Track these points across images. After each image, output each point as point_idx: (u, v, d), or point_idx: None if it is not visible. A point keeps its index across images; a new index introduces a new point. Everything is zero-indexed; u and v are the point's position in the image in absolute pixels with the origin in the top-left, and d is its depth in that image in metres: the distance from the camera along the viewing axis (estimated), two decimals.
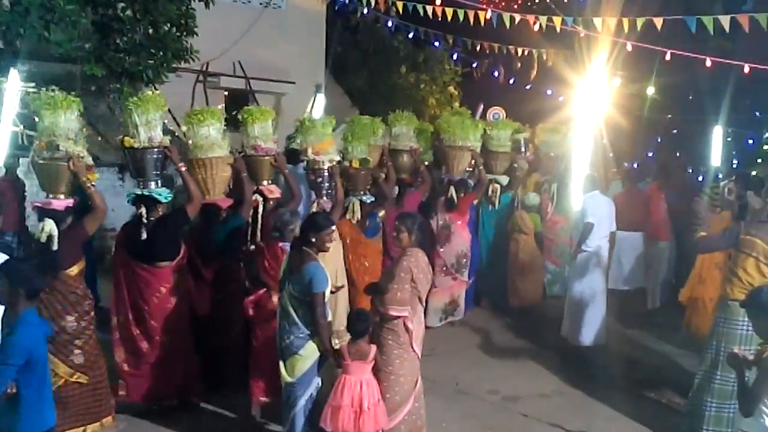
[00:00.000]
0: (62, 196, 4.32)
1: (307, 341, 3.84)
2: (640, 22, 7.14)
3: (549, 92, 11.66)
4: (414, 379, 4.06)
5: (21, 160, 7.63)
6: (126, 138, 4.77)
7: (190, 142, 5.35)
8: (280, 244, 4.53)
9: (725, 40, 8.30)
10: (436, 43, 12.76)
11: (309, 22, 13.72)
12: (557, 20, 7.61)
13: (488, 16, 8.04)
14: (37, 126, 4.43)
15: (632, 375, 5.72)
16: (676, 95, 10.93)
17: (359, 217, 5.95)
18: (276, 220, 4.68)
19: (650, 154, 11.60)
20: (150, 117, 4.76)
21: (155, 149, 4.75)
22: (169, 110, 11.32)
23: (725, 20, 6.64)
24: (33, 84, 7.89)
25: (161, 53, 8.81)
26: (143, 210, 4.70)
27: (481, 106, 8.64)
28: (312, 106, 11.68)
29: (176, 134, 10.93)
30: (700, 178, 9.66)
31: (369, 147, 6.26)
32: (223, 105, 12.56)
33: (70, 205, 4.36)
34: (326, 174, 5.65)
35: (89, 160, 4.46)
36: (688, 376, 4.93)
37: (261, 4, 12.98)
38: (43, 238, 4.13)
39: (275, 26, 12.78)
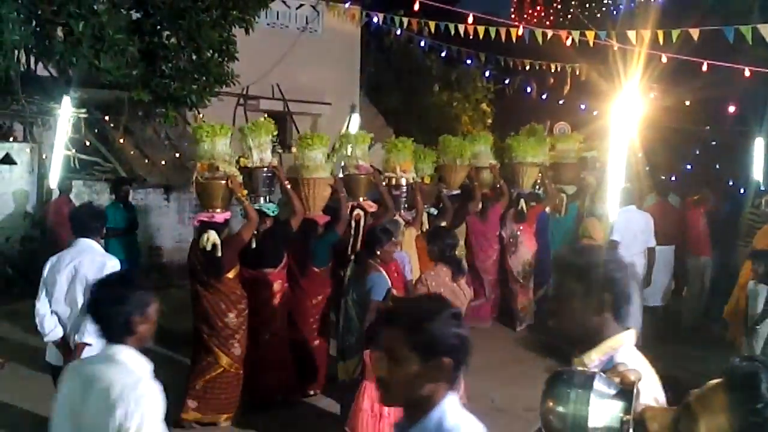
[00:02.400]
0: (219, 210, 4.84)
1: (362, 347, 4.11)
2: (675, 33, 7.11)
3: (583, 107, 11.63)
4: None
5: (74, 182, 8.01)
6: (241, 158, 5.24)
7: (298, 162, 5.85)
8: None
9: (765, 50, 8.17)
10: (468, 61, 12.88)
11: (344, 45, 14.04)
12: (590, 34, 7.64)
13: (520, 33, 8.12)
14: (198, 151, 4.98)
15: (671, 395, 5.56)
16: (714, 107, 10.74)
17: (427, 227, 6.39)
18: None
19: (689, 167, 11.40)
20: (262, 140, 5.28)
21: (265, 168, 5.27)
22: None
23: (764, 29, 6.57)
24: (84, 110, 8.33)
25: (204, 78, 9.16)
26: None
27: (548, 122, 8.87)
28: (347, 126, 11.91)
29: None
30: (742, 191, 9.46)
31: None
32: None
33: (228, 218, 4.92)
34: (406, 189, 6.29)
35: (239, 178, 4.97)
36: None
37: (298, 29, 13.35)
38: (209, 247, 4.65)
39: (312, 50, 13.12)
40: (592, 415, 1.29)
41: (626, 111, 6.96)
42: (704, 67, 7.20)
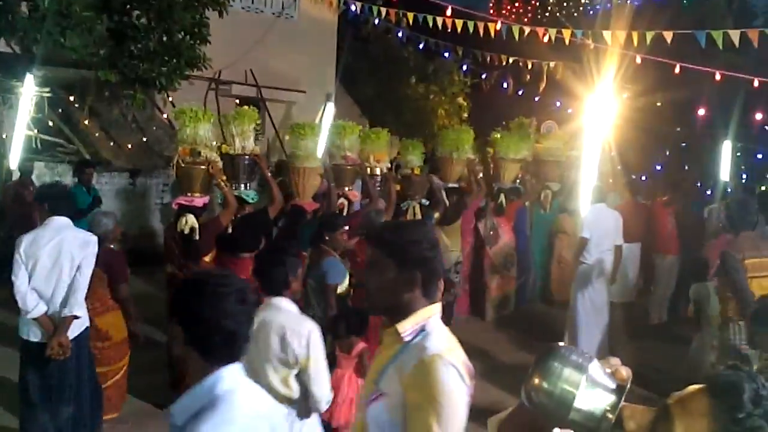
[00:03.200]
0: (199, 195, 4.96)
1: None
2: (649, 35, 7.17)
3: (558, 104, 11.70)
4: None
5: (35, 164, 7.73)
6: (223, 145, 5.38)
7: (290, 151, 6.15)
8: None
9: (735, 55, 8.30)
10: (446, 54, 12.84)
11: (320, 32, 13.85)
12: (566, 33, 7.65)
13: (498, 28, 8.10)
14: (179, 135, 5.08)
15: (639, 391, 5.63)
16: (685, 109, 10.92)
17: (419, 218, 6.59)
18: (365, 220, 5.29)
19: (659, 167, 11.57)
20: (245, 128, 5.41)
21: (247, 156, 5.40)
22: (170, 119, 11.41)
23: (735, 35, 6.66)
24: (48, 89, 8.03)
25: (174, 60, 8.91)
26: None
27: (534, 120, 9.00)
28: (322, 115, 11.77)
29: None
30: (709, 192, 9.64)
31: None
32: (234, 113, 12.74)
33: (207, 202, 5.04)
34: (380, 179, 6.55)
35: (220, 164, 5.10)
36: None
37: (273, 13, 13.12)
38: (186, 230, 4.77)
39: (287, 36, 12.92)
40: (579, 397, 1.25)
41: (599, 110, 7.02)
42: (676, 70, 7.28)
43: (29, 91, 7.63)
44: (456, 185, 7.30)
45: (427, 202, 6.95)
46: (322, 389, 2.80)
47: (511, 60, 10.82)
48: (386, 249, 1.76)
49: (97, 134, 9.06)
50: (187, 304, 1.66)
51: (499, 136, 7.91)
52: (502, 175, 7.77)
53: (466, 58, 12.63)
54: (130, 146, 9.35)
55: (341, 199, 6.10)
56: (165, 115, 10.95)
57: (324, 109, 12.67)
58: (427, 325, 1.76)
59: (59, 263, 3.77)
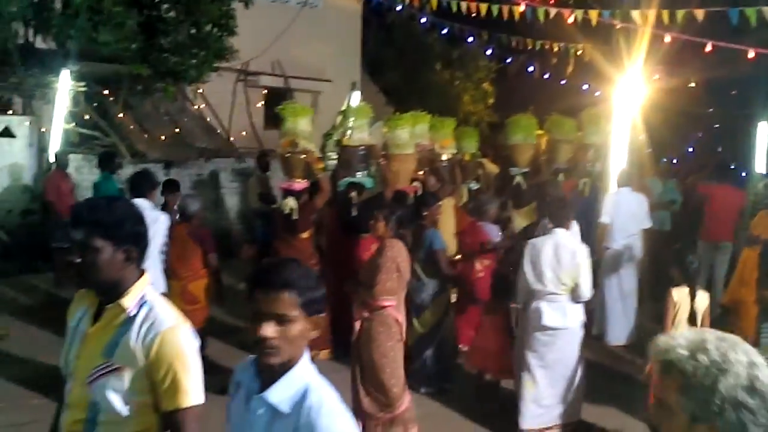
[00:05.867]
0: (298, 180, 5.64)
1: (434, 298, 4.89)
2: (680, 14, 7.02)
3: (585, 87, 11.55)
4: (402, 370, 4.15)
5: (72, 156, 7.96)
6: (344, 138, 6.08)
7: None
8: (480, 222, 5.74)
9: None
10: (471, 39, 12.75)
11: (345, 21, 13.89)
12: (593, 13, 7.55)
13: (522, 11, 8.03)
14: (282, 128, 5.72)
15: None
16: (718, 89, 10.66)
17: (465, 201, 7.01)
18: (477, 204, 5.99)
19: (690, 150, 11.36)
20: (360, 122, 6.05)
21: (362, 147, 6.09)
22: (210, 107, 11.67)
23: None
24: (84, 83, 8.27)
25: (203, 53, 9.07)
26: (354, 193, 5.94)
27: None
28: (348, 104, 11.83)
29: (218, 131, 11.24)
30: (743, 175, 9.43)
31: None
32: (263, 103, 12.87)
33: (306, 187, 5.66)
34: (447, 165, 6.99)
35: (317, 153, 5.74)
36: None
37: (298, 3, 13.18)
38: (287, 211, 5.51)
39: (312, 25, 12.98)
40: None
41: (629, 92, 6.93)
42: (708, 48, 7.13)
43: (65, 85, 7.88)
44: (527, 170, 7.43)
45: (476, 186, 7.33)
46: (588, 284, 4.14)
47: (537, 44, 10.71)
48: (100, 230, 1.78)
49: (131, 127, 9.27)
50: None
51: (554, 118, 7.83)
52: (558, 156, 7.71)
53: (491, 43, 12.53)
54: (163, 138, 9.55)
55: (415, 183, 6.61)
56: (196, 107, 11.15)
57: (350, 98, 12.79)
58: (146, 296, 1.85)
59: None
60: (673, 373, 1.29)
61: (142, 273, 1.88)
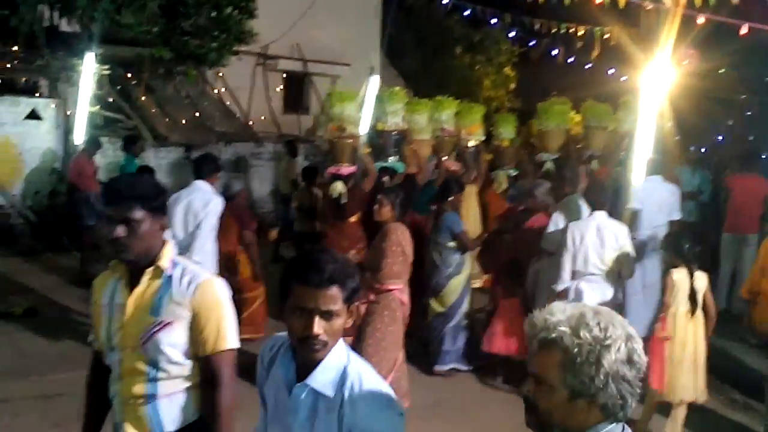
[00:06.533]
0: (346, 165, 5.66)
1: (450, 279, 4.93)
2: None
3: (611, 72, 11.35)
4: (396, 353, 4.17)
5: (101, 139, 7.98)
6: (379, 123, 6.10)
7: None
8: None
9: None
10: (493, 22, 12.57)
11: (364, 4, 13.76)
12: None
13: None
14: (330, 114, 5.80)
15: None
16: (752, 75, 10.37)
17: (504, 187, 7.01)
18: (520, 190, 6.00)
19: (720, 138, 11.11)
20: (395, 108, 6.09)
21: (395, 131, 6.13)
22: (230, 91, 11.66)
23: None
24: (107, 66, 8.30)
25: (224, 36, 9.07)
26: (386, 178, 5.98)
27: None
28: (366, 89, 11.76)
29: (237, 115, 11.24)
30: None
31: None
32: (282, 87, 12.84)
33: (353, 171, 5.73)
34: (473, 151, 6.98)
35: (363, 139, 5.82)
36: (756, 373, 4.67)
37: None
38: (335, 195, 5.55)
39: (332, 8, 12.87)
40: None
41: (657, 77, 6.76)
42: (743, 30, 6.91)
43: (90, 68, 7.90)
44: (557, 156, 7.35)
45: (515, 173, 7.25)
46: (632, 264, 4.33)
47: (561, 27, 10.52)
48: (140, 203, 1.91)
49: (153, 110, 9.30)
50: None
51: (589, 104, 7.74)
52: (592, 143, 7.62)
53: (513, 26, 12.34)
54: (184, 122, 9.58)
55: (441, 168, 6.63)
56: (216, 91, 11.16)
57: (368, 83, 12.70)
58: (175, 257, 2.03)
59: (187, 217, 4.49)
60: (554, 351, 1.28)
61: (165, 241, 2.03)
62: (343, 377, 1.61)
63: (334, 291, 1.56)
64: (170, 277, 1.97)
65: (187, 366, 1.96)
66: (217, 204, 4.56)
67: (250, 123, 11.31)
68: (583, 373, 1.26)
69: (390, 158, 6.13)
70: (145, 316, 1.94)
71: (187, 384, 1.98)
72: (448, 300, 5.02)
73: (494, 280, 5.58)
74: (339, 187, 5.57)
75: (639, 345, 1.30)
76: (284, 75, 12.89)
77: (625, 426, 1.33)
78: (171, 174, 9.16)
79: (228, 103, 11.29)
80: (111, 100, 8.82)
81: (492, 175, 7.24)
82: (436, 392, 4.66)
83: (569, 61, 12.06)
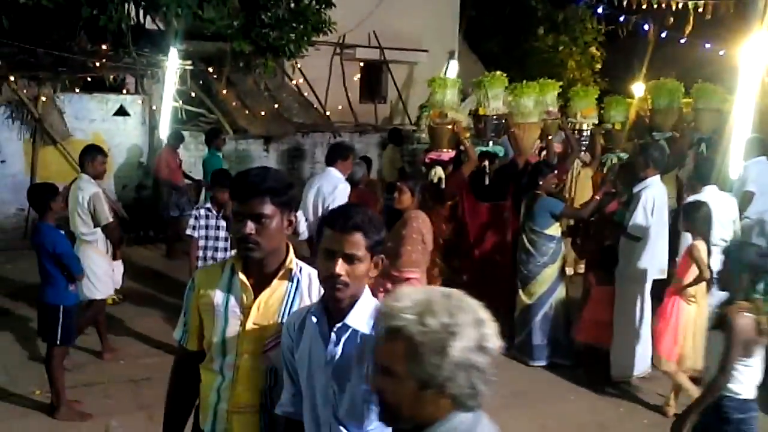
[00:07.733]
0: (446, 150, 5.80)
1: (544, 268, 4.86)
2: None
3: (707, 46, 10.48)
4: None
5: (183, 133, 8.32)
6: (480, 108, 6.07)
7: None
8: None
9: None
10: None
11: None
12: None
13: None
14: (430, 100, 5.97)
15: None
16: None
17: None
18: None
19: None
20: (495, 92, 5.98)
21: (495, 117, 6.08)
22: (307, 82, 11.79)
23: None
24: (190, 62, 8.61)
25: (302, 27, 9.17)
26: (486, 162, 6.06)
27: None
28: (445, 74, 11.55)
29: (314, 106, 11.38)
30: None
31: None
32: (359, 76, 12.87)
33: (453, 156, 5.83)
34: (587, 133, 6.97)
35: (464, 124, 5.89)
36: None
37: None
38: (435, 179, 5.69)
39: None
40: None
41: (759, 52, 6.14)
42: None
43: (174, 64, 8.24)
44: (670, 134, 7.20)
45: (626, 156, 7.12)
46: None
47: (652, 2, 9.79)
48: (273, 198, 1.82)
49: (233, 103, 9.58)
50: None
51: (701, 85, 7.38)
52: (701, 125, 7.33)
53: (600, 3, 11.65)
54: (263, 114, 9.81)
55: (543, 152, 6.61)
56: (294, 83, 11.35)
57: (447, 68, 12.46)
58: (296, 258, 1.96)
59: (317, 200, 4.87)
60: (400, 340, 1.21)
61: (287, 241, 1.95)
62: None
63: (358, 237, 1.66)
64: (299, 280, 1.89)
65: None
66: (343, 189, 4.85)
67: (327, 113, 11.42)
68: (429, 363, 1.18)
69: (490, 143, 6.15)
70: (272, 322, 1.85)
71: None
72: (537, 290, 4.92)
73: (587, 266, 5.43)
74: (439, 171, 5.69)
75: (490, 330, 1.22)
76: (361, 64, 12.90)
77: (481, 414, 1.26)
78: (251, 165, 9.44)
79: (306, 94, 11.45)
80: (193, 94, 9.16)
81: (602, 158, 7.23)
82: (527, 382, 4.63)
83: (661, 36, 11.24)
